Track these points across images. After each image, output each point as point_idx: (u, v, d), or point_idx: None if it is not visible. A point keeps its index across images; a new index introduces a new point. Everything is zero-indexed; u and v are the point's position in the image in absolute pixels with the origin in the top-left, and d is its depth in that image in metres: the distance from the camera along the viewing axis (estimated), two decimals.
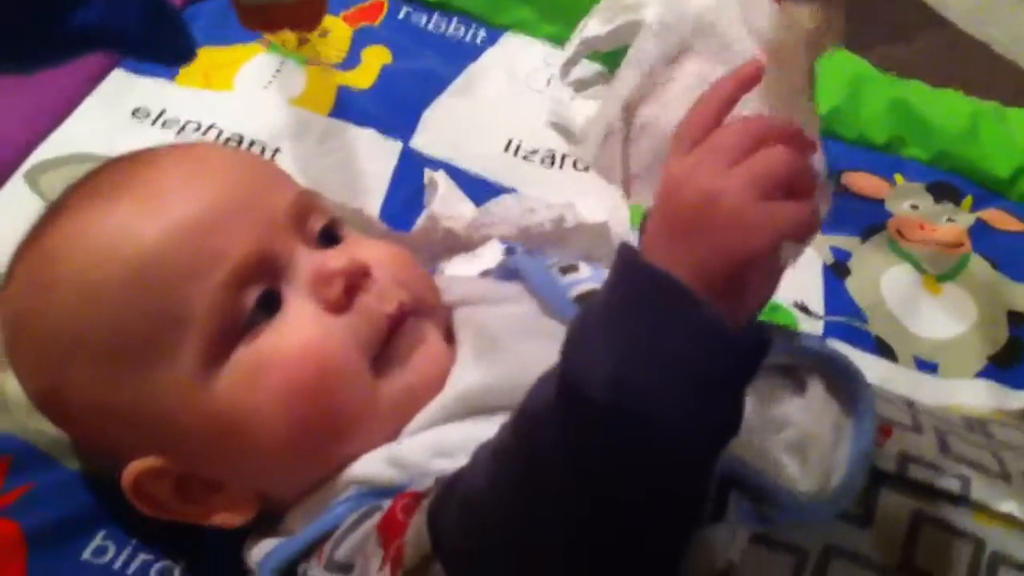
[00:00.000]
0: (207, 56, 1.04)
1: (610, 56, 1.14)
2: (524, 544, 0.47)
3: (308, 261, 0.61)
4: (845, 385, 0.59)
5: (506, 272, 0.75)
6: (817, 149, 0.51)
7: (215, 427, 0.58)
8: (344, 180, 0.97)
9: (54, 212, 0.63)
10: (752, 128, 0.48)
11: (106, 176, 0.64)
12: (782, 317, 0.90)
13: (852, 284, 0.98)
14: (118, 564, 0.64)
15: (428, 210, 0.93)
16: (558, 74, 1.11)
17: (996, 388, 0.90)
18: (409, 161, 1.00)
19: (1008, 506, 0.55)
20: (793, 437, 0.56)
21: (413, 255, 0.70)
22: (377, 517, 0.55)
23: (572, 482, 0.45)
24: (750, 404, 0.56)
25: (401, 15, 1.19)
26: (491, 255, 0.84)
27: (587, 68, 1.14)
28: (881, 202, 1.06)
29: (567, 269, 0.71)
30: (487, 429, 0.50)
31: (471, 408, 0.60)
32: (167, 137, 0.96)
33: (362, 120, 1.03)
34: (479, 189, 0.97)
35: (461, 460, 0.50)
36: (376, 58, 1.11)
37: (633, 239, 0.49)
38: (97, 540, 0.65)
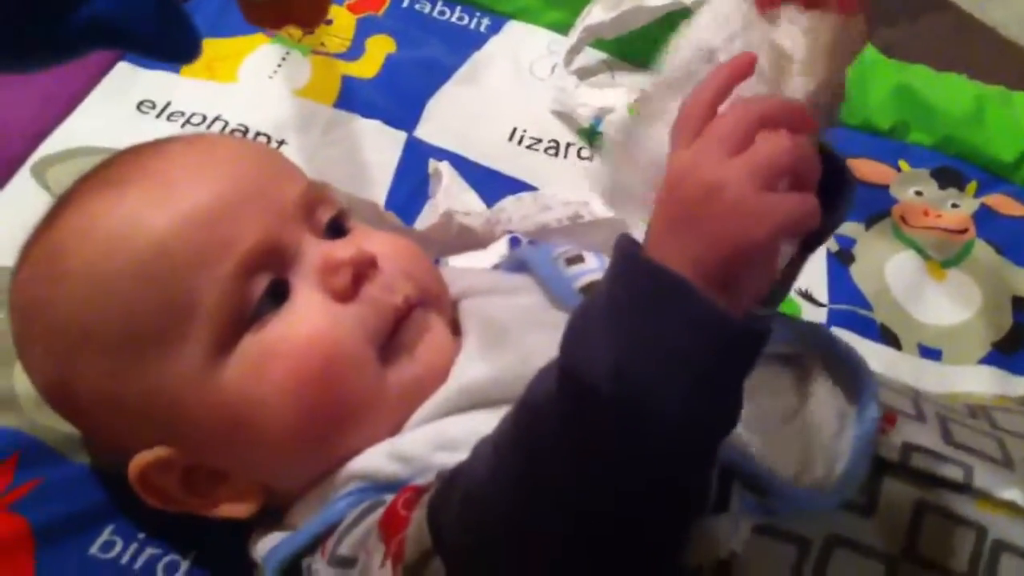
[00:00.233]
0: (211, 48, 1.04)
1: (614, 44, 1.15)
2: (524, 538, 0.47)
3: (316, 251, 0.61)
4: (848, 374, 0.59)
5: (513, 263, 0.76)
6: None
7: (222, 416, 0.59)
8: (349, 170, 0.97)
9: (63, 204, 0.63)
10: (751, 112, 0.48)
11: (114, 168, 0.64)
12: (786, 306, 0.90)
13: (856, 271, 0.98)
14: (125, 558, 0.65)
15: (433, 201, 0.94)
16: (562, 62, 1.11)
17: (1000, 374, 0.91)
18: (414, 151, 1.00)
19: (1011, 494, 0.56)
20: (796, 428, 0.57)
21: (422, 248, 0.70)
22: (379, 512, 0.55)
23: (572, 474, 0.45)
24: (753, 394, 0.57)
25: (405, 3, 1.19)
26: (498, 247, 0.84)
27: (591, 56, 1.14)
28: (886, 188, 1.06)
29: (573, 260, 0.71)
30: (490, 422, 0.50)
31: (475, 400, 0.60)
32: (172, 129, 0.96)
33: (367, 110, 1.03)
34: (483, 178, 0.97)
35: (463, 453, 0.51)
36: (380, 47, 1.11)
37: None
38: (105, 535, 0.65)
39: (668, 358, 0.44)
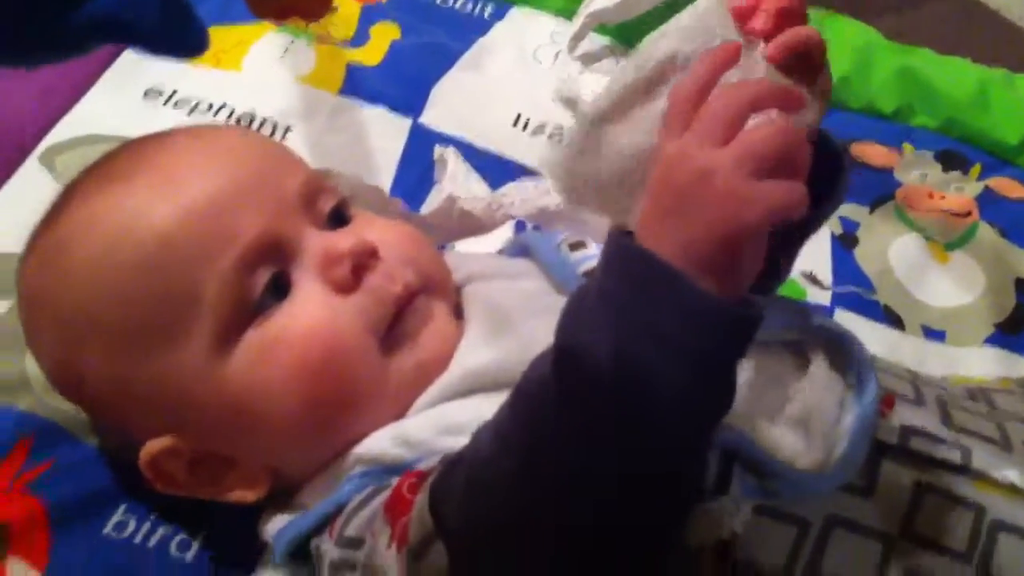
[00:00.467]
0: (216, 36, 1.02)
1: (618, 29, 1.14)
2: (524, 522, 0.48)
3: (317, 243, 0.62)
4: (848, 359, 0.59)
5: (516, 249, 0.76)
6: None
7: (228, 406, 0.60)
8: (355, 157, 0.98)
9: (67, 197, 0.64)
10: (739, 98, 0.48)
11: (119, 160, 0.65)
12: (789, 288, 0.90)
13: (860, 254, 0.98)
14: (138, 538, 0.66)
15: (439, 187, 0.94)
16: (566, 49, 1.11)
17: (1003, 355, 0.91)
18: (419, 137, 1.01)
19: (1009, 474, 0.56)
20: (796, 411, 0.57)
21: (426, 234, 0.71)
22: (385, 494, 0.56)
23: (571, 457, 0.46)
24: (754, 379, 0.57)
25: None
26: (502, 232, 0.84)
27: (595, 42, 1.14)
28: (890, 171, 1.05)
29: (576, 245, 0.72)
30: (493, 406, 0.51)
31: (478, 385, 0.61)
32: (179, 117, 0.96)
33: (372, 97, 1.03)
34: (488, 164, 0.97)
35: (467, 437, 0.51)
36: (384, 35, 1.11)
37: None
38: (118, 515, 0.66)
39: (665, 341, 0.45)
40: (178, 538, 0.66)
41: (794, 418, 0.57)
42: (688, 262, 0.45)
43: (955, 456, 0.56)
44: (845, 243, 0.99)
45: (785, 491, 0.54)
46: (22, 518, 0.64)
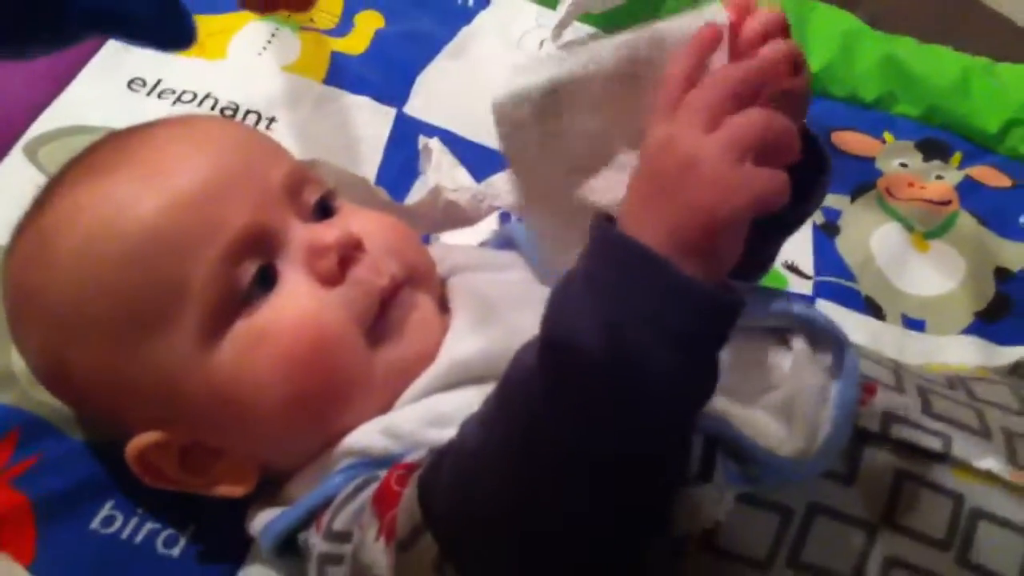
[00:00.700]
0: (200, 24, 0.99)
1: (602, 18, 1.15)
2: (511, 509, 0.48)
3: (302, 235, 0.62)
4: (830, 347, 0.60)
5: (501, 240, 0.77)
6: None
7: (216, 397, 0.60)
8: (340, 147, 0.97)
9: (51, 190, 0.64)
10: (725, 84, 0.49)
11: (103, 152, 0.64)
12: (772, 279, 0.91)
13: (842, 243, 0.99)
14: (126, 533, 0.66)
15: (423, 177, 0.94)
16: (550, 37, 1.11)
17: (983, 344, 0.92)
18: (403, 127, 1.01)
19: (988, 463, 0.57)
20: (779, 398, 0.58)
21: (412, 225, 0.71)
22: (373, 488, 0.56)
23: (560, 443, 0.47)
24: (737, 367, 0.58)
25: None
26: (487, 224, 0.85)
27: (579, 30, 1.14)
28: (871, 160, 1.06)
29: None
30: (480, 397, 0.51)
31: (465, 376, 0.61)
32: (163, 107, 0.96)
33: (357, 86, 1.03)
34: (473, 153, 0.98)
35: (454, 428, 0.52)
36: (369, 23, 1.11)
37: None
38: (105, 510, 0.66)
39: (652, 323, 0.45)
40: (166, 533, 0.66)
41: (776, 405, 0.58)
42: (673, 247, 0.46)
43: (935, 444, 0.57)
44: (827, 232, 0.99)
45: (767, 478, 0.55)
46: (8, 513, 0.64)
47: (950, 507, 0.56)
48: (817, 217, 1.00)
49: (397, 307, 0.63)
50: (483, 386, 0.53)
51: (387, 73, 1.05)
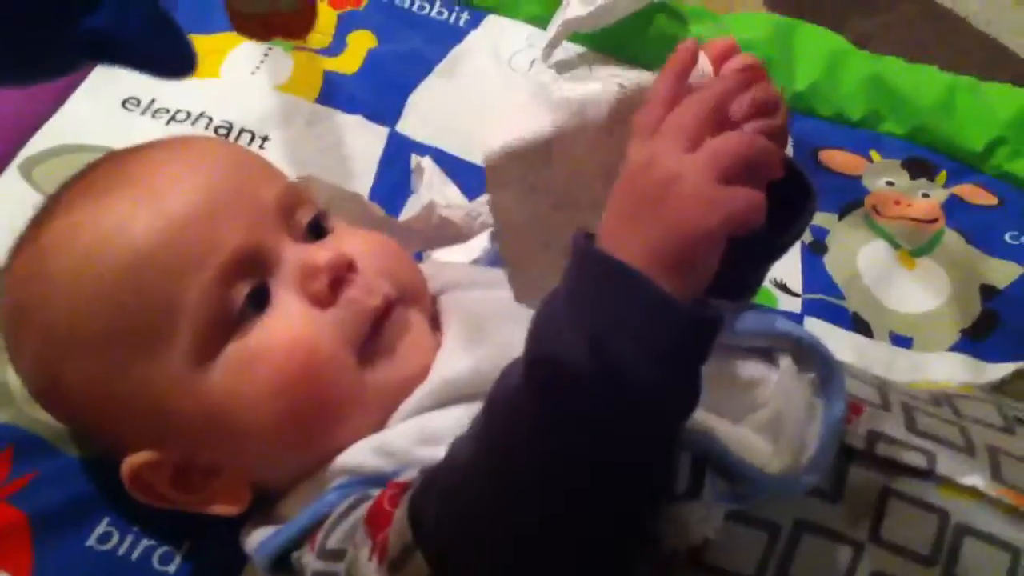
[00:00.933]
0: (194, 44, 1.04)
1: (592, 38, 1.16)
2: (498, 526, 0.49)
3: (295, 256, 0.63)
4: (817, 366, 0.60)
5: (493, 258, 0.77)
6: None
7: (210, 417, 0.60)
8: (333, 165, 0.98)
9: (47, 211, 0.64)
10: (704, 103, 0.50)
11: (100, 172, 0.65)
12: (761, 296, 0.91)
13: (830, 261, 0.99)
14: (122, 550, 0.66)
15: (416, 195, 0.95)
16: (540, 56, 1.12)
17: (969, 361, 0.92)
18: (396, 145, 1.01)
19: (972, 479, 0.57)
20: (766, 417, 0.58)
21: (405, 242, 0.71)
22: (365, 506, 0.57)
23: (548, 460, 0.47)
24: (725, 385, 0.59)
25: None
26: (479, 242, 0.85)
27: (569, 50, 1.15)
28: (858, 178, 1.07)
29: None
30: (471, 415, 0.52)
31: (457, 394, 0.62)
32: (158, 126, 0.97)
33: (349, 106, 1.04)
34: (464, 171, 0.98)
35: (446, 447, 0.53)
36: (361, 43, 1.12)
37: None
38: (101, 527, 0.67)
39: (632, 335, 0.46)
40: (161, 550, 0.67)
41: (763, 423, 0.58)
42: (653, 263, 0.47)
43: (920, 461, 0.57)
44: (815, 250, 1.00)
45: (755, 495, 0.55)
46: (5, 530, 0.64)
47: (936, 523, 0.56)
48: (805, 235, 0.99)
49: (389, 326, 0.64)
50: (474, 404, 0.53)
51: (379, 92, 1.06)
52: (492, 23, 1.19)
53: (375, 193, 0.96)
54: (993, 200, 1.06)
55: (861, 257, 1.00)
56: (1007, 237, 1.03)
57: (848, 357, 0.86)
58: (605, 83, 0.55)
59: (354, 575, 0.55)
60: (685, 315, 0.47)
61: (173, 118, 0.98)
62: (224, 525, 0.64)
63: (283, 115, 1.02)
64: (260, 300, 0.61)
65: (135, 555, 0.66)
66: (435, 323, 0.68)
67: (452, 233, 0.86)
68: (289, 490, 0.63)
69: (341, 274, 0.62)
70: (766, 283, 0.93)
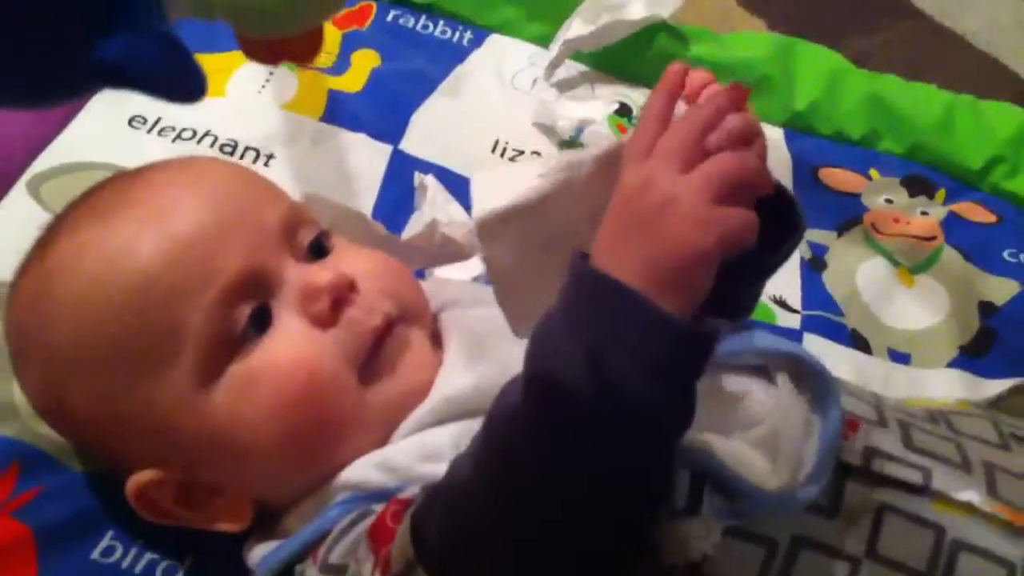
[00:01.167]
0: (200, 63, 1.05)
1: (594, 57, 1.17)
2: (499, 542, 0.50)
3: (296, 277, 0.63)
4: (814, 383, 0.61)
5: None
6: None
7: (213, 437, 0.61)
8: (337, 183, 0.99)
9: (54, 230, 0.65)
10: (695, 124, 0.52)
11: (103, 194, 0.66)
12: (760, 313, 0.92)
13: (829, 278, 1.00)
14: (126, 563, 0.66)
15: (419, 212, 0.95)
16: (542, 75, 1.13)
17: (967, 377, 0.93)
18: (399, 164, 1.02)
19: (968, 495, 0.58)
20: (763, 434, 0.59)
21: (407, 260, 0.72)
22: (368, 522, 0.57)
23: (547, 475, 0.48)
24: (723, 403, 0.59)
25: (389, 18, 1.21)
26: (480, 260, 0.86)
27: (571, 68, 1.16)
28: (857, 196, 1.08)
29: None
30: (473, 432, 0.53)
31: (458, 411, 0.62)
32: (163, 144, 0.97)
33: (353, 124, 1.05)
34: (467, 190, 0.96)
35: (447, 463, 0.53)
36: (365, 62, 1.13)
37: None
38: (105, 540, 0.67)
39: (629, 350, 0.47)
40: (165, 563, 0.67)
41: (760, 439, 0.58)
42: (648, 281, 0.48)
43: (916, 477, 0.58)
44: (814, 266, 1.01)
45: (753, 511, 0.56)
46: (11, 545, 0.65)
47: (932, 539, 0.56)
48: (804, 252, 1.01)
49: (390, 345, 0.64)
50: (475, 420, 0.54)
51: (383, 111, 1.07)
52: (495, 42, 1.20)
53: (378, 210, 0.97)
54: (992, 218, 1.07)
55: (860, 274, 1.01)
56: (1005, 254, 1.03)
57: (846, 373, 0.87)
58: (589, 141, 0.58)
59: None
60: (681, 331, 0.48)
61: (179, 136, 0.99)
62: (227, 539, 0.64)
63: (288, 133, 1.02)
64: (262, 321, 0.62)
65: (139, 569, 0.67)
66: (436, 340, 0.69)
67: (454, 251, 0.87)
68: (292, 506, 0.64)
69: (342, 295, 0.63)
70: (765, 299, 0.94)
